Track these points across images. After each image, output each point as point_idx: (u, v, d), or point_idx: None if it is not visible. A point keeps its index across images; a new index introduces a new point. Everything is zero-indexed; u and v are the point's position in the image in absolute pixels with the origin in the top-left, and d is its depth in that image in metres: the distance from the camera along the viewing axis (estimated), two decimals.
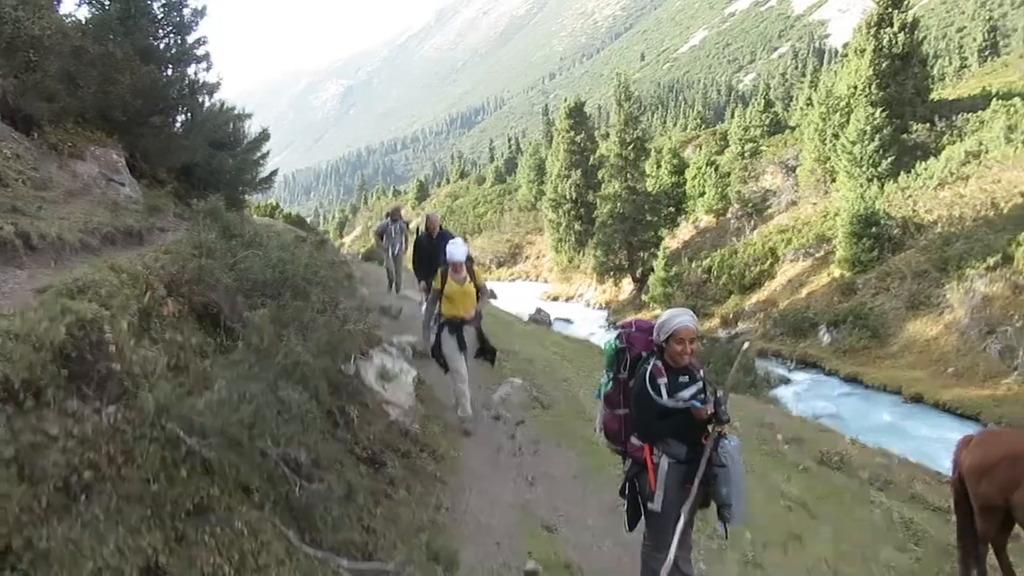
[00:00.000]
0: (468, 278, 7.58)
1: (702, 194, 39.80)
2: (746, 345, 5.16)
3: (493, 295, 22.08)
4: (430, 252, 10.24)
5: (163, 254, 4.97)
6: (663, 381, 4.03)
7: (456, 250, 7.49)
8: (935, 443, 15.31)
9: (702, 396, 4.09)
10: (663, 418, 4.05)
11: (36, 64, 8.86)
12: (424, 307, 9.61)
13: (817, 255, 29.14)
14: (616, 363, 4.49)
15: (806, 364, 23.19)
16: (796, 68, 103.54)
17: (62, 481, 2.60)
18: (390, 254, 14.73)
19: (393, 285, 14.79)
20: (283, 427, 3.87)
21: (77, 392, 3.01)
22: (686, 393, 4.05)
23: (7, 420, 2.55)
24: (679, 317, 4.13)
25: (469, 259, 7.69)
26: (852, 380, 20.97)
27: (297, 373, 4.27)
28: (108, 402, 3.08)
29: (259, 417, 3.47)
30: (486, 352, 7.84)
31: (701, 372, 4.23)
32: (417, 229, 11.62)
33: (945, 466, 12.55)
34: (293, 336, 4.63)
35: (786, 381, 21.46)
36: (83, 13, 12.06)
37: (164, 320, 4.24)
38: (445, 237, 9.74)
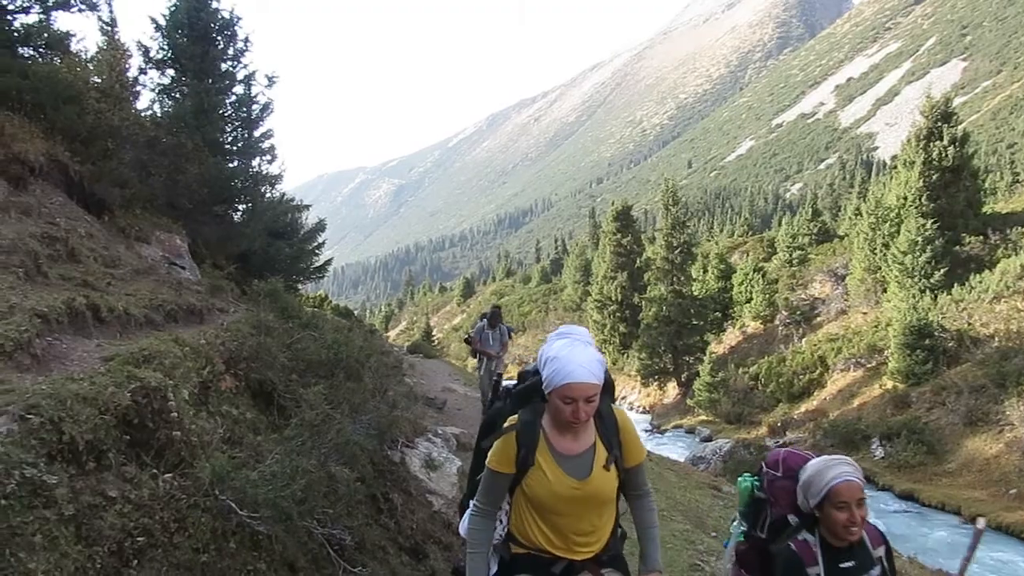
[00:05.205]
0: (605, 454, 2.69)
1: (749, 300, 39.53)
2: (981, 524, 3.47)
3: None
4: None
5: (223, 331, 5.09)
6: (816, 572, 2.65)
7: (583, 358, 2.55)
8: (998, 568, 14.50)
9: None
10: None
11: (112, 152, 9.35)
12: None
13: (868, 365, 28.44)
14: (753, 514, 3.02)
15: None
16: (844, 179, 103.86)
17: (116, 544, 2.61)
18: (485, 368, 11.28)
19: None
20: (330, 506, 3.86)
21: (136, 458, 3.05)
22: None
23: (69, 479, 2.59)
24: (835, 468, 2.67)
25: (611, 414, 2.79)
26: (907, 497, 20.06)
27: (347, 453, 4.28)
28: (165, 469, 3.11)
29: (310, 493, 3.46)
30: None
31: (881, 549, 2.79)
32: None
33: None
34: (344, 416, 4.65)
35: None
36: (158, 107, 12.88)
37: (221, 394, 4.31)
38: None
